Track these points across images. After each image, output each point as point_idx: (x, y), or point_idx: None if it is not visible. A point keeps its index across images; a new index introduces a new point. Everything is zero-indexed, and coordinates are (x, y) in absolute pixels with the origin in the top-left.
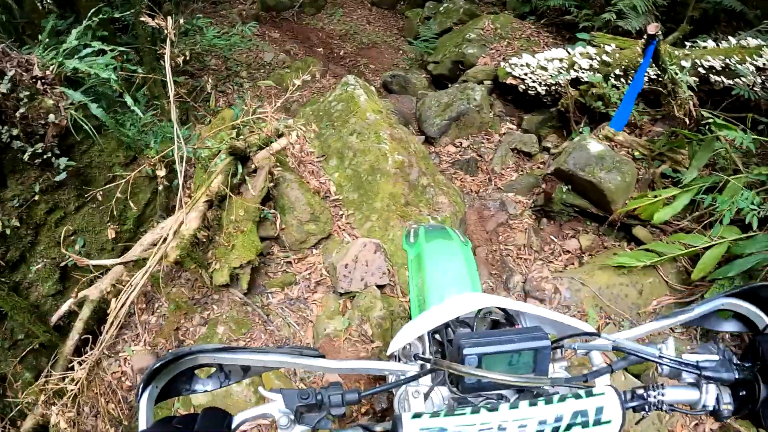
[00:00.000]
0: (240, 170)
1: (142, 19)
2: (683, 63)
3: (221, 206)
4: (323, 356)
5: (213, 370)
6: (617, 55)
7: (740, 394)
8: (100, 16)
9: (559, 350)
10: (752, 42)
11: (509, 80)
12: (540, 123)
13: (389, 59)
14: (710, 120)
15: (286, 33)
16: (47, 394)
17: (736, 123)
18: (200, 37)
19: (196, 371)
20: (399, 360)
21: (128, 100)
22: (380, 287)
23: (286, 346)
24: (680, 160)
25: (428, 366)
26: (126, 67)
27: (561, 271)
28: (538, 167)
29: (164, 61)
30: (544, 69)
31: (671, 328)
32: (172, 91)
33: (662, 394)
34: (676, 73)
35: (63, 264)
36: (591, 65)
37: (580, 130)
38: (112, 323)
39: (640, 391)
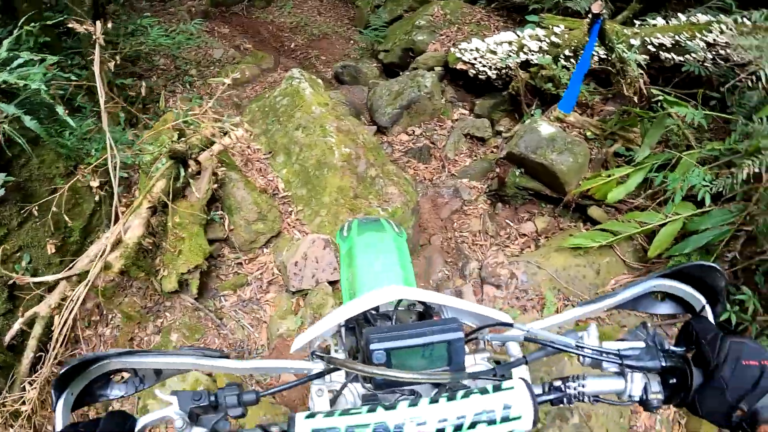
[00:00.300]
0: (182, 173)
1: (70, 25)
2: (632, 41)
3: (166, 211)
4: (227, 356)
5: (128, 375)
6: (566, 36)
7: (670, 382)
8: (41, 21)
9: (481, 342)
10: (702, 18)
11: (459, 65)
12: (492, 107)
13: (340, 50)
14: (661, 97)
15: (236, 28)
16: (4, 415)
17: (687, 99)
18: (144, 38)
19: (111, 377)
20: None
21: (59, 110)
22: (332, 283)
23: (190, 347)
24: (632, 138)
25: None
26: (58, 75)
27: (517, 255)
28: (492, 152)
29: (104, 66)
30: (494, 53)
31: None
32: (102, 97)
33: (583, 386)
34: (625, 52)
35: (11, 282)
36: (540, 47)
37: (532, 112)
38: (57, 340)
39: (558, 383)
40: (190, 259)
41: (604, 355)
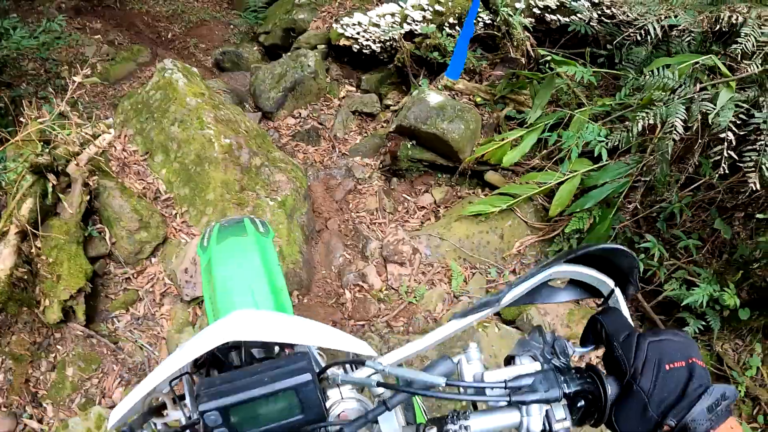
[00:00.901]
0: (50, 189)
1: None
2: (517, 5)
3: (39, 233)
4: None
5: None
6: (450, 3)
7: (578, 405)
8: None
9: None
10: None
11: (342, 42)
12: (379, 81)
13: (220, 36)
14: (549, 58)
15: (110, 22)
16: None
17: (575, 59)
18: (6, 41)
19: None
20: None
21: None
22: None
23: None
24: (523, 100)
25: None
26: None
27: (418, 229)
28: (382, 127)
29: None
30: (377, 26)
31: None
32: None
33: (466, 427)
34: (510, 15)
35: None
36: (424, 17)
37: (419, 83)
38: None
39: (432, 429)
40: (71, 283)
41: (486, 391)
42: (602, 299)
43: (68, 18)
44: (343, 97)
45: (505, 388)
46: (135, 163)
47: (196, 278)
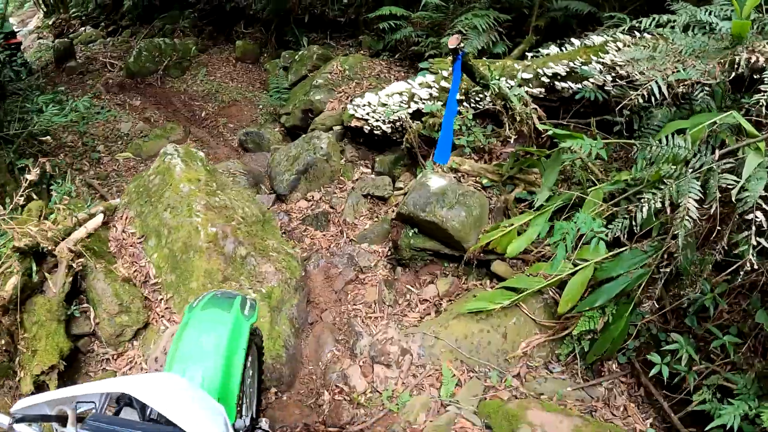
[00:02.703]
0: (34, 268)
1: None
2: (524, 75)
3: (23, 308)
4: None
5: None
6: None
7: None
8: None
9: None
10: (597, 40)
11: (354, 122)
12: (393, 163)
13: (248, 115)
14: (550, 132)
15: (149, 99)
16: None
17: (589, 129)
18: (37, 117)
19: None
20: None
21: None
22: None
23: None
24: (533, 180)
25: None
26: None
27: (416, 325)
28: (393, 210)
29: None
30: (385, 105)
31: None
32: None
33: None
34: (504, 87)
35: None
36: (430, 94)
37: (426, 164)
38: None
39: None
40: (45, 359)
41: None
42: None
43: (112, 94)
44: (357, 180)
45: None
46: (131, 245)
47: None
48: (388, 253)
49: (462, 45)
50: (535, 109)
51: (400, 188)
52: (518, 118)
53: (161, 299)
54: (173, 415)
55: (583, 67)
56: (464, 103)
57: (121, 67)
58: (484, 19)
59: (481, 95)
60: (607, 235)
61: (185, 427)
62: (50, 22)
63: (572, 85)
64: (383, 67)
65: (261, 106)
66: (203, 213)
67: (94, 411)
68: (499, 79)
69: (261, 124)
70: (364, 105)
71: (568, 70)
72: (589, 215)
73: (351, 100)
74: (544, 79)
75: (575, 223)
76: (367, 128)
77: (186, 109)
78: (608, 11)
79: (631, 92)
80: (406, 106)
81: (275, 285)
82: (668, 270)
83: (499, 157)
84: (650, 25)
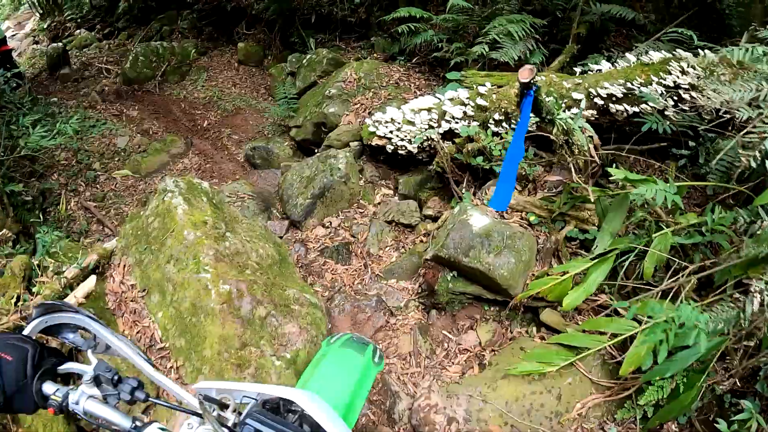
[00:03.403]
0: None
1: None
2: (575, 95)
3: None
4: (152, 364)
5: (89, 336)
6: (494, 96)
7: None
8: None
9: None
10: (655, 56)
11: (375, 141)
12: (419, 185)
13: (254, 125)
14: (620, 176)
15: (148, 108)
16: None
17: (647, 158)
18: (23, 140)
19: (80, 331)
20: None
21: None
22: None
23: (133, 343)
24: (587, 217)
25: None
26: None
27: (458, 382)
28: (421, 241)
29: None
30: (412, 123)
31: None
32: None
33: None
34: (569, 120)
35: None
36: (465, 112)
37: (461, 193)
38: None
39: None
40: None
41: None
42: None
43: (108, 103)
44: (379, 203)
45: None
46: (132, 300)
47: None
48: (419, 290)
49: (536, 79)
50: (591, 137)
51: (429, 215)
52: (577, 151)
53: (171, 367)
54: (332, 429)
55: (642, 89)
56: (503, 124)
57: (117, 73)
58: (520, 25)
59: None
60: (709, 327)
61: None
62: (45, 26)
63: (628, 107)
64: (402, 74)
65: (267, 116)
66: (212, 266)
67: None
68: (562, 109)
69: (268, 137)
70: (387, 122)
71: (624, 91)
72: (692, 309)
73: (369, 113)
74: (598, 101)
75: (678, 315)
76: (390, 148)
77: (187, 118)
78: (653, 19)
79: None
80: (437, 125)
81: (301, 347)
82: (751, 344)
83: (543, 187)
84: (743, 57)
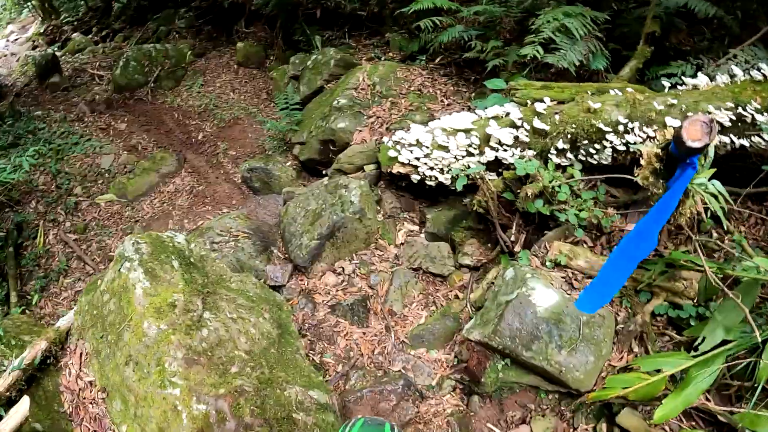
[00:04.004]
0: None
1: None
2: (670, 121)
3: None
4: None
5: None
6: (556, 116)
7: None
8: None
9: None
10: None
11: (396, 168)
12: (451, 222)
13: (253, 139)
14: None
15: (138, 119)
16: None
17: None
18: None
19: None
20: None
21: None
22: None
23: None
24: (681, 290)
25: None
26: None
27: None
28: (457, 297)
29: None
30: (444, 148)
31: None
32: None
33: None
34: (708, 185)
35: None
36: (517, 138)
37: (510, 242)
38: None
39: None
40: None
41: None
42: None
43: (97, 114)
44: (402, 243)
45: None
46: (92, 402)
47: None
48: (454, 361)
49: (713, 137)
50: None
51: (467, 265)
52: (688, 213)
53: None
54: None
55: (757, 114)
56: (568, 154)
57: (109, 80)
58: (579, 19)
59: (598, 145)
60: None
61: None
62: (41, 30)
63: (735, 139)
64: (425, 78)
65: (268, 128)
66: (183, 375)
67: None
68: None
69: (268, 155)
70: (412, 144)
71: (733, 117)
72: None
73: (388, 129)
74: None
75: None
76: (416, 177)
77: (180, 129)
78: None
79: None
80: (477, 151)
81: None
82: None
83: (618, 239)
84: None
